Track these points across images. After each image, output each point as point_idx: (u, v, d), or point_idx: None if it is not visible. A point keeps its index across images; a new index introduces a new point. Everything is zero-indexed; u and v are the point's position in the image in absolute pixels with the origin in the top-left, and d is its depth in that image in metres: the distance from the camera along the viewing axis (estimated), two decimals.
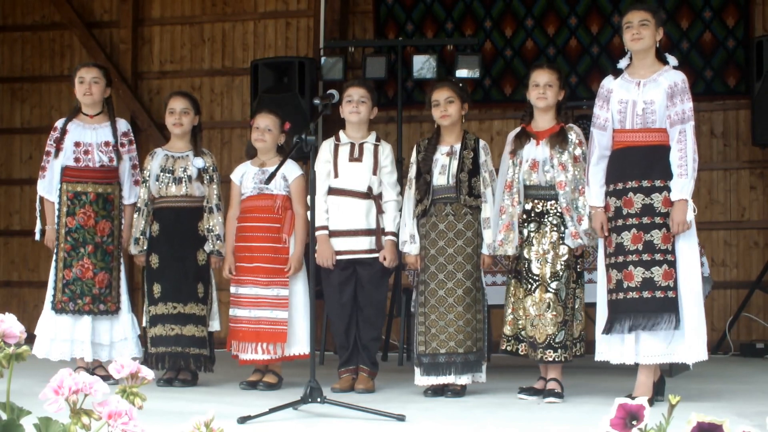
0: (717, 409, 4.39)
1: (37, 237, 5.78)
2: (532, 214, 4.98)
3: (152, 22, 8.99)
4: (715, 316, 7.69)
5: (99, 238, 5.63)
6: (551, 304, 4.86)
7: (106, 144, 5.69)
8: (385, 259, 5.31)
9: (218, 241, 5.56)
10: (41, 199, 5.73)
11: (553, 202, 4.94)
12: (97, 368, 5.56)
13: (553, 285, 4.87)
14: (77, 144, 5.63)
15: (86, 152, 5.64)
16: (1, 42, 9.32)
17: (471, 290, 5.08)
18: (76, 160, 5.63)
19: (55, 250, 5.62)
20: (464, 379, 5.07)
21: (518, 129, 5.13)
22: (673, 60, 4.79)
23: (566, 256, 4.90)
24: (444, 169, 5.16)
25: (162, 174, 5.59)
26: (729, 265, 7.83)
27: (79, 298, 5.56)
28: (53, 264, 5.63)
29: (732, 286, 7.77)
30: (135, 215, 5.66)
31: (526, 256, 4.95)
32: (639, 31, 4.69)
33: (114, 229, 5.70)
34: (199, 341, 5.52)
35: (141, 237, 5.62)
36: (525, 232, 4.98)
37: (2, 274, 9.21)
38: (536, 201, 4.98)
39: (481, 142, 5.23)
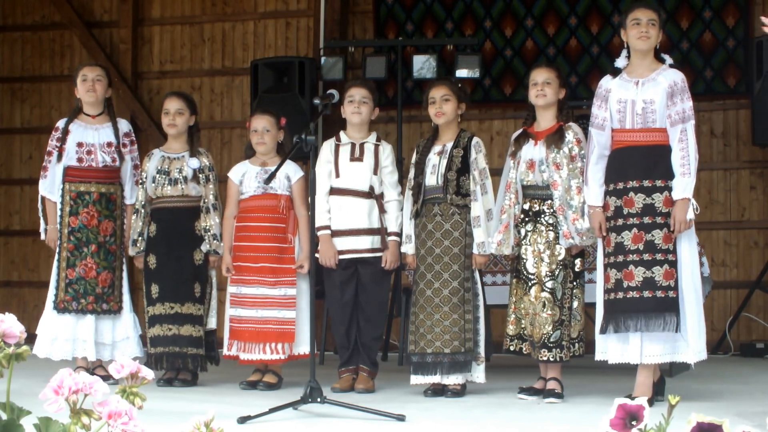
0: (717, 409, 4.38)
1: (43, 236, 5.78)
2: (530, 214, 4.97)
3: (152, 22, 9.00)
4: (715, 316, 7.69)
5: (102, 237, 5.64)
6: (546, 303, 4.85)
7: (109, 144, 5.70)
8: (387, 260, 5.32)
9: (215, 241, 5.56)
10: (43, 198, 5.74)
11: (549, 201, 4.93)
12: (97, 368, 5.56)
13: (549, 284, 4.86)
14: (80, 144, 5.65)
15: (89, 152, 5.66)
16: (1, 42, 9.32)
17: (458, 290, 5.05)
18: (79, 160, 5.65)
19: (57, 250, 5.63)
20: (452, 379, 5.05)
21: (519, 131, 5.12)
22: (668, 59, 4.78)
23: (562, 256, 4.89)
24: (434, 169, 5.14)
25: (158, 175, 5.59)
26: (729, 265, 7.83)
27: (83, 297, 5.57)
28: (55, 263, 5.64)
29: (732, 286, 7.77)
30: (133, 216, 5.67)
31: (524, 256, 4.95)
32: (647, 30, 4.65)
33: (116, 229, 5.72)
34: (197, 341, 5.52)
35: (139, 238, 5.63)
36: (522, 231, 4.98)
37: (2, 274, 9.21)
38: (533, 200, 4.98)
39: (474, 140, 5.18)
